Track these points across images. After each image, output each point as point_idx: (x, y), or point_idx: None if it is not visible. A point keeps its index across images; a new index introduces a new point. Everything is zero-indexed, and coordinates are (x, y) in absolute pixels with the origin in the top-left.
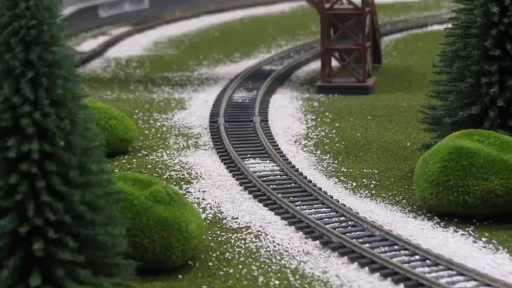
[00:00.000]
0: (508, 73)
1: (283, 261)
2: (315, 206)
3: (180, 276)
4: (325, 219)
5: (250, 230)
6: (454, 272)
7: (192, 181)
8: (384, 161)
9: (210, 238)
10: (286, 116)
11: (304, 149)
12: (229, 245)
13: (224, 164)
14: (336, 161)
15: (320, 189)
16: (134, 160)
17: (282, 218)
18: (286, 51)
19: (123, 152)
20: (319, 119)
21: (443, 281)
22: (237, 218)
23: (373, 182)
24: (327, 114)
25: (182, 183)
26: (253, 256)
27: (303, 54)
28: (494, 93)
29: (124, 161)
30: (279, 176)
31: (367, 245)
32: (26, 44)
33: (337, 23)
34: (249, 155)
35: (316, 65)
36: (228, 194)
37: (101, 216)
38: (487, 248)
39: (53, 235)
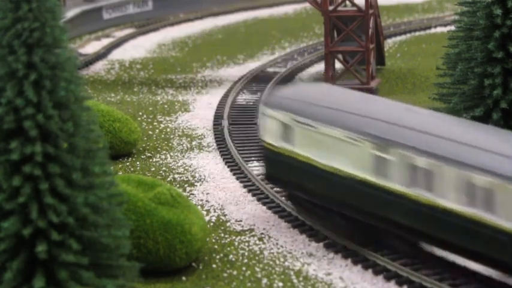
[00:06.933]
0: (511, 75)
1: (286, 263)
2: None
3: (183, 278)
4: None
5: (253, 233)
6: (457, 274)
7: (196, 183)
8: None
9: (213, 240)
10: None
11: None
12: (232, 247)
13: (228, 167)
14: None
15: None
16: (138, 163)
17: (286, 221)
18: (290, 53)
19: (127, 155)
20: None
21: (446, 282)
22: (241, 221)
23: None
24: None
25: (186, 185)
26: (256, 258)
27: (307, 56)
28: (497, 95)
29: (128, 163)
30: None
31: (370, 247)
32: (28, 46)
33: (340, 25)
34: (252, 158)
35: (319, 67)
36: (231, 196)
37: (104, 218)
38: None
39: (56, 237)
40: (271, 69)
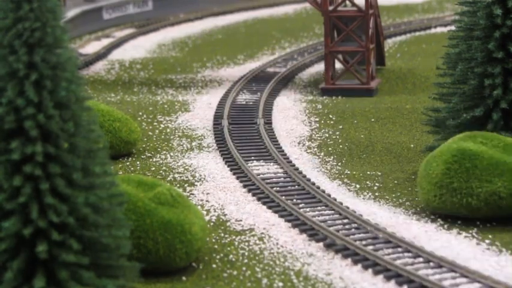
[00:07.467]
0: (511, 75)
1: (286, 263)
2: (319, 208)
3: (183, 278)
4: (328, 222)
5: (253, 232)
6: (457, 274)
7: (196, 183)
8: (387, 163)
9: (213, 240)
10: (290, 118)
11: (308, 151)
12: (232, 247)
13: (228, 166)
14: (339, 163)
15: (323, 191)
16: (138, 162)
17: (286, 220)
18: (290, 53)
19: (127, 154)
20: (322, 121)
21: (446, 283)
22: (241, 220)
23: (377, 184)
24: (330, 116)
25: (186, 185)
26: (256, 258)
27: (307, 56)
28: (497, 96)
29: (128, 163)
30: (282, 179)
31: (371, 247)
32: (29, 46)
33: (340, 25)
34: (252, 157)
35: (319, 67)
36: (231, 196)
37: (105, 218)
38: (491, 250)
39: (57, 237)
40: (271, 69)
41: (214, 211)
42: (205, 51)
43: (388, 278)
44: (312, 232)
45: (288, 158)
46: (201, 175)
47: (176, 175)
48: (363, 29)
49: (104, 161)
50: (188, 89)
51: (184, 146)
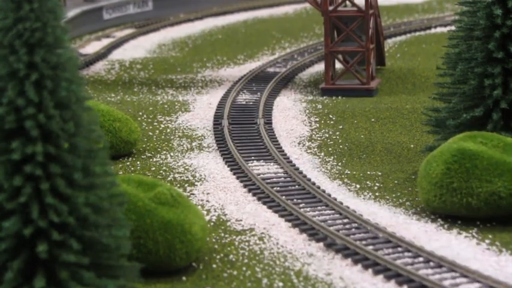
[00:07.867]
0: (511, 75)
1: (286, 263)
2: (319, 208)
3: (183, 278)
4: (329, 221)
5: (254, 232)
6: (457, 274)
7: (196, 183)
8: (387, 163)
9: (213, 240)
10: (290, 118)
11: (308, 151)
12: (233, 247)
13: (228, 166)
14: (339, 163)
15: (324, 191)
16: (138, 162)
17: (286, 220)
18: (290, 53)
19: (127, 154)
20: (322, 121)
21: (446, 282)
22: (241, 220)
23: (377, 184)
24: (330, 116)
25: (186, 185)
26: (257, 258)
27: (307, 56)
28: (497, 96)
29: (128, 163)
30: (282, 178)
31: (371, 247)
32: (30, 46)
33: (340, 25)
34: (252, 157)
35: (319, 67)
36: (232, 196)
37: (105, 218)
38: (491, 249)
39: (57, 237)
40: (271, 69)
41: (215, 211)
42: (205, 51)
43: (388, 278)
44: (312, 232)
45: (288, 158)
46: (201, 175)
47: (176, 175)
48: (363, 29)
49: (104, 161)
50: (188, 89)
51: (184, 146)
